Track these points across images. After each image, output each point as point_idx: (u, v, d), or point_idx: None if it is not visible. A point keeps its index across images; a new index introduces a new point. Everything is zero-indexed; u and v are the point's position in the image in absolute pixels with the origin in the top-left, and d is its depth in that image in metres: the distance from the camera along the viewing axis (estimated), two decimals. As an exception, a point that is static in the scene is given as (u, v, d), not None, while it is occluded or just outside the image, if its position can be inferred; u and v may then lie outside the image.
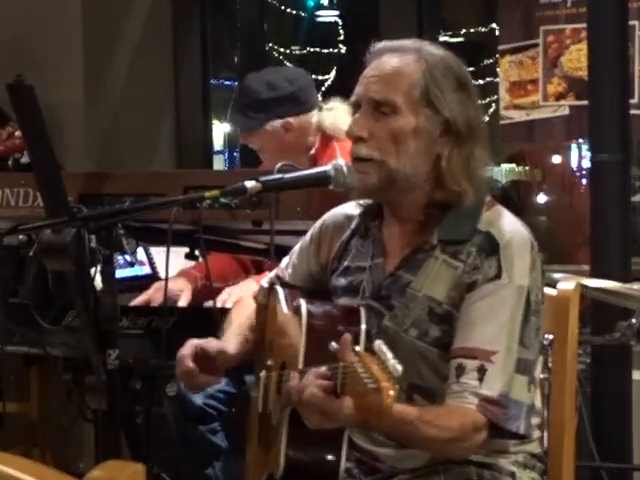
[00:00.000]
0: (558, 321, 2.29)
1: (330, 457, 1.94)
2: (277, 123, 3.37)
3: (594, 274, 3.33)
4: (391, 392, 1.60)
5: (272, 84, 3.41)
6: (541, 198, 6.10)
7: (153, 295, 3.15)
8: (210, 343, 2.19)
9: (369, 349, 1.72)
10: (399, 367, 1.63)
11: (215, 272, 3.28)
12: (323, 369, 1.79)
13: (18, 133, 4.17)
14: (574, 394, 2.31)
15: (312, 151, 3.41)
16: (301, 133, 3.39)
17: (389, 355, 1.64)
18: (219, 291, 3.13)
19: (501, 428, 1.93)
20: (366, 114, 2.05)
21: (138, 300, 3.14)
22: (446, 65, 2.05)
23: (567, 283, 2.33)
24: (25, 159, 4.14)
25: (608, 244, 3.45)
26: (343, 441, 1.94)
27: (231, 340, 2.23)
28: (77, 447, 4.27)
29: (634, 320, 3.03)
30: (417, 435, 1.88)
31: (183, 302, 3.16)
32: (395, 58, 2.05)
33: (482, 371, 1.93)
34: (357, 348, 1.74)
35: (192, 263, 2.92)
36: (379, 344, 1.67)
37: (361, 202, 2.19)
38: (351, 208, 2.22)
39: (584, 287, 2.82)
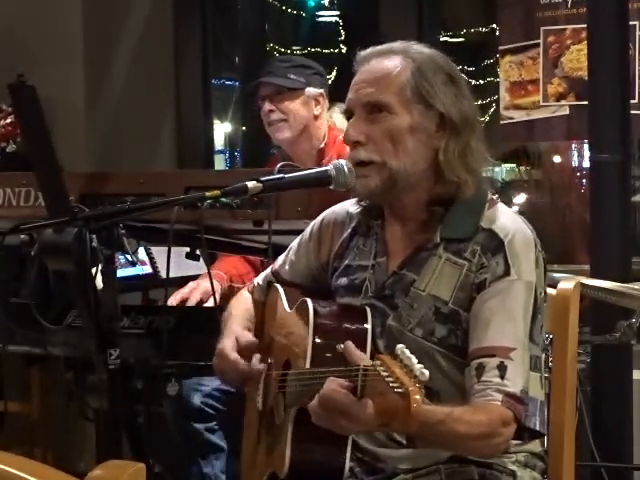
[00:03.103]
0: (558, 321, 2.29)
1: (335, 457, 1.93)
2: (315, 92, 3.51)
3: (594, 274, 3.33)
4: (417, 396, 1.58)
5: (309, 60, 3.65)
6: (541, 198, 6.10)
7: (188, 294, 3.23)
8: (244, 334, 2.21)
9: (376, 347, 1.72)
10: (426, 372, 1.62)
11: (233, 273, 3.36)
12: (340, 370, 1.77)
13: (3, 122, 4.17)
14: (574, 394, 2.31)
15: (322, 144, 3.46)
16: (323, 113, 3.51)
17: (414, 360, 1.63)
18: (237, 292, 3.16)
19: (522, 425, 1.92)
20: (360, 118, 2.05)
21: (175, 299, 3.19)
22: (434, 62, 2.06)
23: (567, 283, 2.33)
24: (11, 148, 4.14)
25: (608, 244, 3.45)
26: (348, 441, 1.94)
27: (245, 331, 2.24)
28: (78, 447, 4.27)
29: (634, 320, 3.03)
30: (448, 434, 1.84)
31: (210, 302, 3.20)
32: (383, 62, 2.06)
33: (502, 368, 1.92)
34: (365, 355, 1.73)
35: (193, 263, 2.93)
36: (401, 348, 1.65)
37: (364, 201, 2.19)
38: (351, 206, 2.22)
39: (584, 287, 2.82)
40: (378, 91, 2.03)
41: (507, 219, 2.05)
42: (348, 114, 2.09)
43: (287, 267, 2.31)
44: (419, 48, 2.08)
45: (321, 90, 3.50)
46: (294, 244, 2.32)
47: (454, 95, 2.04)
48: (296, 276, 2.29)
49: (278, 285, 2.27)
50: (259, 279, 2.39)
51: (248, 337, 2.22)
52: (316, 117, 3.49)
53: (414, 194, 2.06)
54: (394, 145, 2.02)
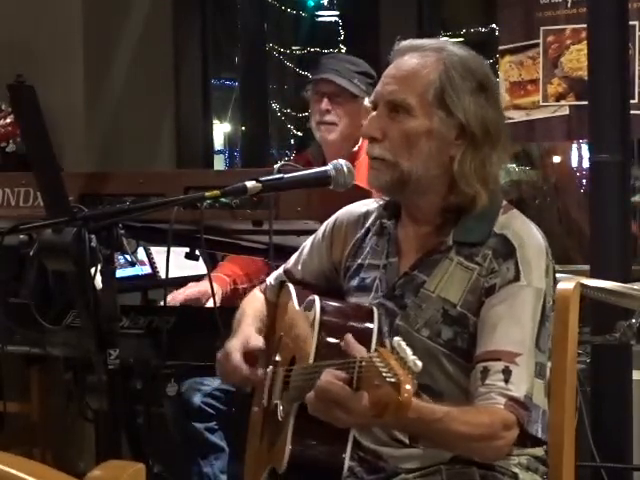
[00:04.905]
0: (558, 321, 2.29)
1: (334, 455, 1.93)
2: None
3: (594, 274, 3.33)
4: (408, 386, 1.58)
5: (370, 67, 3.51)
6: (540, 198, 6.10)
7: (189, 295, 3.25)
8: (253, 337, 2.21)
9: (384, 345, 1.72)
10: (419, 363, 1.62)
11: (239, 274, 3.36)
12: (339, 363, 1.77)
13: (3, 122, 4.17)
14: (574, 394, 2.31)
15: (354, 148, 3.44)
16: None
17: (409, 351, 1.63)
18: (245, 292, 3.17)
19: (524, 431, 1.91)
20: (382, 114, 2.04)
21: (176, 299, 3.20)
22: (466, 66, 2.03)
23: (567, 283, 2.33)
24: (11, 148, 4.14)
25: (608, 244, 3.45)
26: (348, 439, 1.94)
27: (256, 334, 2.24)
28: (78, 447, 4.27)
29: (634, 320, 3.03)
30: (446, 433, 1.85)
31: (209, 304, 3.20)
32: (414, 59, 2.04)
33: (507, 372, 1.91)
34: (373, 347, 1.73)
35: (192, 263, 2.93)
36: (398, 340, 1.65)
37: (379, 201, 2.19)
38: (368, 205, 2.22)
39: (584, 287, 2.82)
40: (401, 90, 2.02)
41: (520, 226, 2.05)
42: (374, 105, 2.09)
43: (300, 267, 2.31)
44: (453, 50, 2.05)
45: None
46: (307, 244, 2.32)
47: (479, 105, 2.01)
48: (308, 276, 2.29)
49: (290, 284, 2.26)
50: (271, 279, 2.39)
51: (257, 341, 2.21)
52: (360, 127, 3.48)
53: (428, 198, 2.06)
54: (408, 147, 2.01)
